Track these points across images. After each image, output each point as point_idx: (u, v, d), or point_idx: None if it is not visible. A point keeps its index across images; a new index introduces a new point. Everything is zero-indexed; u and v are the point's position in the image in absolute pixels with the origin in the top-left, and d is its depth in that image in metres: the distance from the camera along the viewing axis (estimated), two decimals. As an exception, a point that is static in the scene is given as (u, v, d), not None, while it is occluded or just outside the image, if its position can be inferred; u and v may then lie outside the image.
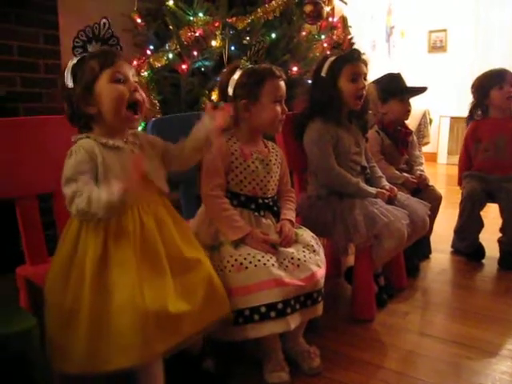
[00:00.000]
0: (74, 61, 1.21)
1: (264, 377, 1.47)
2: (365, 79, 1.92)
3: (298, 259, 1.43)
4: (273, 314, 1.34)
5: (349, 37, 2.94)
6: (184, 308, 1.17)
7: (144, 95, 1.26)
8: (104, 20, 1.24)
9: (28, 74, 2.38)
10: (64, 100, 1.23)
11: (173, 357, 1.20)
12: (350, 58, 1.91)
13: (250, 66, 1.55)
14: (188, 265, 1.26)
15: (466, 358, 1.61)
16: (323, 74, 1.92)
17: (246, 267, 1.37)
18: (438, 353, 1.65)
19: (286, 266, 1.41)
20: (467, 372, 1.53)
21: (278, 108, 1.53)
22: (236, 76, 1.53)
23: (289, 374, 1.46)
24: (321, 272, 1.47)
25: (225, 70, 1.63)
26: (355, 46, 1.94)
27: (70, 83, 1.20)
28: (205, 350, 1.44)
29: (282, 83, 1.55)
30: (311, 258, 1.47)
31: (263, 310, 1.34)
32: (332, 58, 1.92)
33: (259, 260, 1.38)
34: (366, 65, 1.93)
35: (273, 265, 1.38)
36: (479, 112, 2.64)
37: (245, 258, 1.38)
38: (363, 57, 1.94)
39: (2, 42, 2.27)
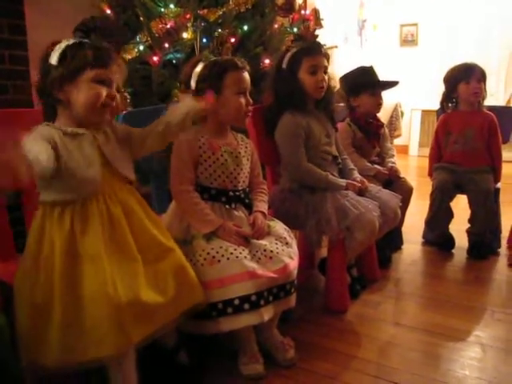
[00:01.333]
0: (70, 42, 1.17)
1: (239, 369, 1.47)
2: (325, 72, 1.92)
3: (271, 251, 1.44)
4: (246, 306, 1.35)
5: (311, 29, 2.94)
6: (156, 297, 1.17)
7: (119, 101, 1.25)
8: (108, 11, 1.21)
9: (-8, 65, 2.32)
10: (39, 72, 1.19)
11: (147, 350, 1.20)
12: (309, 51, 1.91)
13: (213, 58, 1.54)
14: (160, 252, 1.26)
15: (436, 345, 1.65)
16: (284, 66, 1.93)
17: (219, 260, 1.37)
18: (410, 341, 1.68)
19: (259, 258, 1.42)
20: (438, 359, 1.57)
21: (242, 100, 1.51)
22: (198, 69, 1.52)
23: (263, 365, 1.47)
24: (293, 264, 1.48)
25: (187, 63, 1.62)
26: (324, 38, 1.94)
27: (54, 61, 1.15)
28: (179, 343, 1.43)
29: (246, 75, 1.53)
30: (284, 250, 1.47)
31: (236, 302, 1.34)
32: (292, 51, 1.92)
33: (231, 253, 1.38)
34: (327, 58, 1.94)
35: (245, 257, 1.38)
36: (449, 104, 2.68)
37: (217, 252, 1.38)
38: (324, 50, 1.94)
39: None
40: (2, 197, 1.15)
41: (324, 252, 2.10)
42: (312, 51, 1.91)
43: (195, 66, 1.53)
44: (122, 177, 1.27)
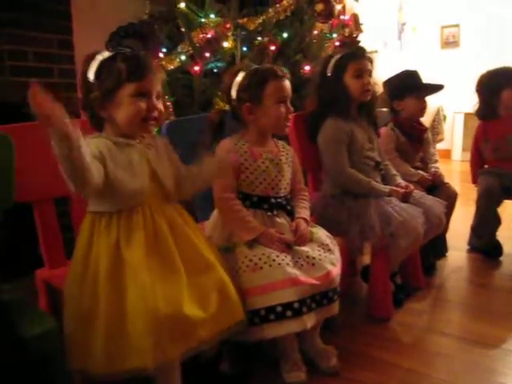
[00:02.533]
0: (104, 56, 1.17)
1: (282, 377, 1.47)
2: (370, 76, 1.92)
3: (313, 258, 1.43)
4: (289, 313, 1.34)
5: (354, 35, 2.93)
6: (198, 312, 1.16)
7: (162, 109, 1.24)
8: (145, 17, 1.22)
9: (43, 79, 2.41)
10: (81, 89, 1.21)
11: (189, 359, 1.19)
12: (354, 55, 1.92)
13: (253, 67, 1.54)
14: (203, 266, 1.25)
15: (484, 356, 1.60)
16: (329, 72, 1.93)
17: (261, 267, 1.37)
18: (456, 352, 1.64)
19: (301, 265, 1.41)
20: (487, 371, 1.52)
21: (283, 109, 1.52)
22: (239, 78, 1.53)
23: (306, 373, 1.46)
24: (336, 270, 1.47)
25: (227, 73, 1.63)
26: (363, 44, 1.95)
27: (91, 76, 1.17)
28: (221, 351, 1.43)
29: (286, 83, 1.53)
30: (326, 256, 1.46)
31: (279, 309, 1.34)
32: (337, 57, 1.93)
33: (274, 260, 1.37)
34: (370, 62, 1.94)
35: (287, 264, 1.38)
36: (486, 111, 2.58)
37: (259, 258, 1.38)
38: (367, 54, 1.95)
39: (17, 48, 2.31)
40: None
41: (367, 259, 2.08)
42: (357, 56, 1.92)
43: (236, 75, 1.54)
44: (165, 191, 1.28)
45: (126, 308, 1.10)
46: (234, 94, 1.54)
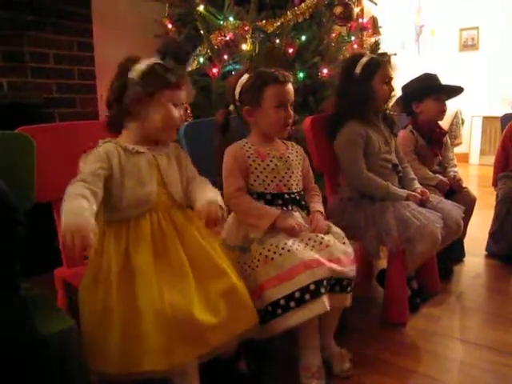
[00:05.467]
0: (153, 61, 1.24)
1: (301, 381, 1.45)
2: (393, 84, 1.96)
3: (328, 241, 1.44)
4: (307, 296, 1.33)
5: (374, 39, 2.92)
6: (209, 318, 1.15)
7: (183, 117, 1.32)
8: (170, 26, 1.28)
9: (63, 80, 2.45)
10: (113, 85, 1.26)
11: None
12: (383, 61, 1.94)
13: (258, 69, 1.56)
14: (213, 271, 1.24)
15: (502, 364, 1.57)
16: (357, 71, 1.91)
17: (272, 258, 1.37)
18: (473, 359, 1.62)
19: (313, 246, 1.41)
20: (505, 380, 1.50)
21: (282, 113, 1.52)
22: (243, 79, 1.56)
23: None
24: (348, 261, 1.46)
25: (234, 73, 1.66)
26: (382, 47, 1.98)
27: (135, 76, 1.22)
28: (239, 351, 1.43)
29: (287, 88, 1.53)
30: (341, 246, 1.47)
31: (297, 295, 1.33)
32: (366, 59, 1.92)
33: (283, 248, 1.38)
34: (393, 69, 1.96)
35: (297, 249, 1.38)
36: None
37: (269, 250, 1.39)
38: (391, 62, 1.99)
39: (39, 50, 2.35)
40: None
41: (383, 263, 2.07)
42: (385, 62, 1.94)
43: (240, 76, 1.57)
44: (175, 200, 1.31)
45: (138, 312, 1.11)
46: (236, 94, 1.57)
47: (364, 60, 1.92)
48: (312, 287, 1.33)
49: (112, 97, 1.26)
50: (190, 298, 1.15)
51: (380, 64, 1.92)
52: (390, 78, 1.92)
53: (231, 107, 1.69)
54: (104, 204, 1.20)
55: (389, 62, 1.95)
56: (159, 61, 1.25)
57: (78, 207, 1.06)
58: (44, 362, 0.96)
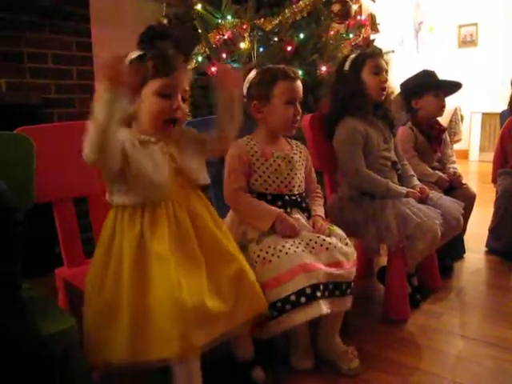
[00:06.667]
0: (135, 55, 1.20)
1: (291, 364, 1.49)
2: (386, 74, 1.93)
3: (329, 243, 1.43)
4: (303, 299, 1.33)
5: (369, 37, 2.91)
6: (219, 304, 1.17)
7: (186, 110, 1.26)
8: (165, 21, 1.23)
9: (62, 80, 2.45)
10: None
11: (223, 363, 1.22)
12: (372, 53, 1.96)
13: (266, 66, 1.56)
14: (223, 256, 1.26)
15: (504, 360, 1.58)
16: (346, 68, 1.93)
17: (270, 260, 1.38)
18: (474, 355, 1.62)
19: (312, 248, 1.41)
20: (505, 375, 1.50)
21: (291, 109, 1.52)
22: (251, 75, 1.55)
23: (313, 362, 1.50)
24: (349, 265, 1.46)
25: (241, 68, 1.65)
26: (380, 43, 1.98)
27: None
28: (255, 357, 1.43)
29: (296, 84, 1.53)
30: (342, 247, 1.46)
31: (293, 298, 1.34)
32: (354, 54, 1.96)
33: (280, 250, 1.38)
34: (386, 63, 1.96)
35: (295, 251, 1.38)
36: None
37: (266, 252, 1.39)
38: (384, 55, 1.99)
39: (37, 50, 2.34)
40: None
41: (383, 261, 2.07)
42: (374, 54, 1.95)
43: (248, 72, 1.57)
44: (193, 183, 1.30)
45: (150, 301, 1.11)
46: (244, 90, 1.56)
47: (352, 56, 1.95)
48: (308, 291, 1.34)
49: None
50: (202, 286, 1.17)
51: (367, 56, 1.92)
52: (381, 69, 1.91)
53: None
54: (117, 188, 1.20)
55: (380, 54, 1.94)
56: (144, 51, 1.19)
57: None
58: (45, 362, 0.96)
